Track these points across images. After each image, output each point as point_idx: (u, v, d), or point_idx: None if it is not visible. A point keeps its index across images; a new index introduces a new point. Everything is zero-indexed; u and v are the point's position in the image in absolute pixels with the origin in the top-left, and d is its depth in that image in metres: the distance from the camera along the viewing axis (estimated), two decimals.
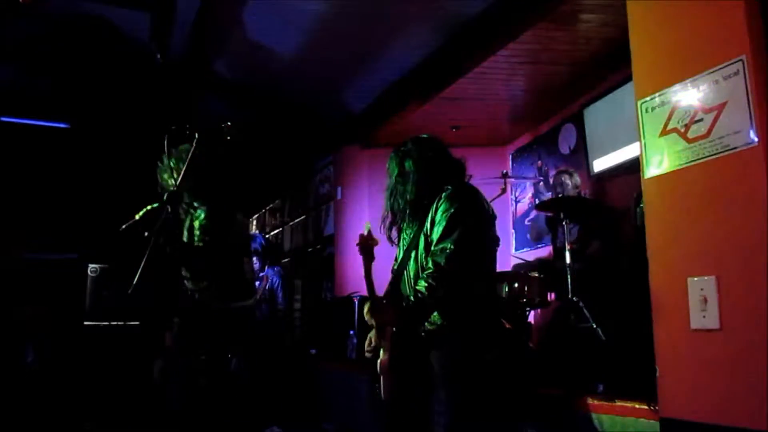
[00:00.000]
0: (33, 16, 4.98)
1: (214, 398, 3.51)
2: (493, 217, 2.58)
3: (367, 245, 2.58)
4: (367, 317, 2.54)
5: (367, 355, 2.62)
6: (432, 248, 2.42)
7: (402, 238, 2.67)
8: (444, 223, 2.40)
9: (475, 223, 2.44)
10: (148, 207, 2.99)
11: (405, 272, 2.57)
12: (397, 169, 2.65)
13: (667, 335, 2.20)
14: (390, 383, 2.44)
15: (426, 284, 2.35)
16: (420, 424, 2.46)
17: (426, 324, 2.46)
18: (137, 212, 3.01)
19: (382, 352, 2.47)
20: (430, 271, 2.37)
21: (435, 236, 2.42)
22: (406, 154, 2.65)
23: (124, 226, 2.97)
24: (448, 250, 2.35)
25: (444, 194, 2.49)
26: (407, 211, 2.59)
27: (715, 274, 2.01)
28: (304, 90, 6.19)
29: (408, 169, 2.60)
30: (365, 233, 2.58)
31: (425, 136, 2.75)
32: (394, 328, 2.45)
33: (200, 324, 3.50)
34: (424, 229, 2.51)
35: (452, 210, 2.42)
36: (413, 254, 2.54)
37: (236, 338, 3.72)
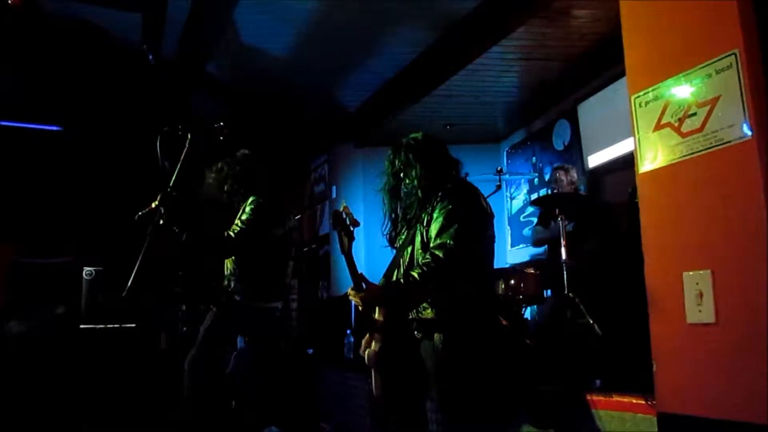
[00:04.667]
0: (23, 17, 4.95)
1: (213, 398, 3.52)
2: (491, 215, 2.57)
3: (344, 224, 2.46)
4: (351, 295, 2.43)
5: (362, 354, 2.59)
6: (431, 244, 2.39)
7: (398, 237, 2.65)
8: (442, 219, 2.37)
9: (474, 220, 2.42)
10: (162, 194, 2.99)
11: (397, 269, 2.55)
12: (397, 166, 2.61)
13: (664, 330, 2.20)
14: (381, 377, 2.41)
15: (420, 271, 2.31)
16: (414, 420, 2.44)
17: (417, 315, 2.43)
18: (137, 212, 3.00)
19: (373, 343, 2.43)
20: (427, 261, 2.33)
21: (433, 232, 2.39)
22: (408, 150, 2.61)
23: (140, 214, 2.97)
24: (448, 245, 2.32)
25: (443, 191, 2.47)
26: (412, 208, 2.57)
27: (710, 268, 2.01)
28: (298, 89, 6.18)
29: (410, 166, 2.57)
30: (341, 210, 2.47)
31: (421, 134, 2.72)
32: (382, 318, 2.41)
33: (229, 317, 3.54)
34: (421, 227, 2.48)
35: (451, 206, 2.39)
36: (409, 249, 2.52)
37: (250, 337, 3.75)
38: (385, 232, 2.68)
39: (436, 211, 2.42)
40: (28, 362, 4.79)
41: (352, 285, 2.43)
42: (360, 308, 2.46)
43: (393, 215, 2.65)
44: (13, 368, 4.70)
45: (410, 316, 2.48)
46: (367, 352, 2.43)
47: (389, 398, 2.46)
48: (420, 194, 2.53)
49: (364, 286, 2.40)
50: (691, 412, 2.04)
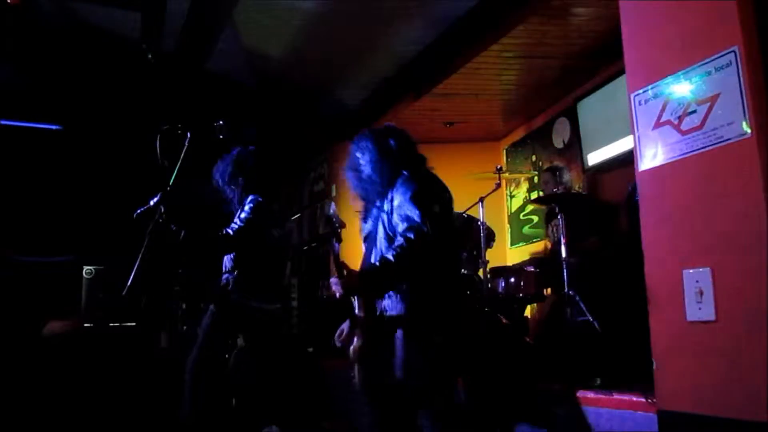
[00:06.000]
0: (22, 16, 4.95)
1: (216, 397, 3.52)
2: (452, 200, 2.55)
3: (333, 227, 2.48)
4: (332, 283, 2.39)
5: (337, 344, 2.55)
6: (399, 229, 2.35)
7: (364, 228, 2.63)
8: (408, 204, 2.35)
9: (437, 205, 2.40)
10: (162, 192, 2.98)
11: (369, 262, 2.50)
12: (359, 155, 2.61)
13: (664, 327, 2.20)
14: (363, 370, 2.41)
15: (394, 253, 2.28)
16: (401, 412, 2.41)
17: (389, 310, 2.41)
18: (136, 211, 3.00)
19: (355, 339, 2.42)
20: (400, 243, 2.29)
21: (399, 218, 2.37)
22: (369, 139, 2.61)
23: (138, 211, 2.97)
24: (417, 228, 2.28)
25: (402, 179, 2.45)
26: (373, 198, 2.55)
27: (710, 266, 2.02)
28: (298, 87, 6.17)
29: (370, 156, 2.57)
30: (331, 214, 2.49)
31: (385, 125, 2.72)
32: (363, 313, 2.41)
33: (229, 317, 3.55)
34: (383, 217, 2.47)
35: (414, 191, 2.37)
36: (374, 250, 2.50)
37: (250, 337, 3.75)
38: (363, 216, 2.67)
39: (398, 198, 2.40)
40: (28, 362, 4.78)
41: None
42: (339, 295, 2.41)
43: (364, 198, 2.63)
44: (13, 368, 4.70)
45: (379, 312, 2.46)
46: (351, 349, 2.42)
47: (372, 389, 2.46)
48: (379, 183, 2.52)
49: (345, 273, 2.37)
50: (692, 410, 2.04)
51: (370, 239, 2.56)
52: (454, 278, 2.63)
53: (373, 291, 2.44)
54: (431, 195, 2.42)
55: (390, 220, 2.42)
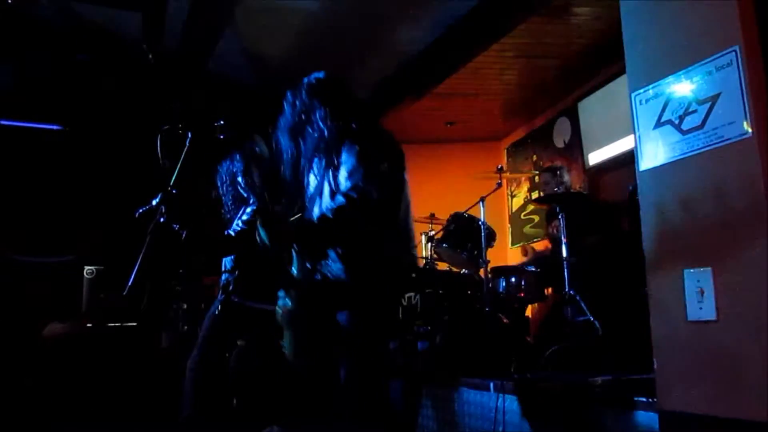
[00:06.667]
0: (22, 16, 4.95)
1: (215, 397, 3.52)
2: (403, 157, 2.36)
3: None
4: (262, 231, 2.19)
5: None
6: (342, 188, 2.19)
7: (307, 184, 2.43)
8: (354, 161, 2.19)
9: (385, 163, 2.23)
10: (162, 193, 2.98)
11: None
12: (299, 107, 2.43)
13: (664, 327, 2.20)
14: (294, 338, 2.27)
15: (333, 209, 2.13)
16: (330, 387, 2.32)
17: (329, 275, 2.24)
18: (137, 210, 3.00)
19: (287, 300, 2.27)
20: (340, 202, 2.13)
21: (343, 176, 2.20)
22: (311, 90, 2.45)
23: (140, 211, 2.96)
24: (360, 187, 2.12)
25: (351, 133, 2.30)
26: (318, 153, 2.36)
27: (711, 266, 2.01)
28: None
29: (315, 108, 2.39)
30: None
31: (324, 73, 2.52)
32: (300, 272, 2.27)
33: (229, 317, 3.55)
34: (329, 173, 2.29)
35: (361, 147, 2.22)
36: (316, 207, 2.32)
37: (251, 337, 3.75)
38: (294, 176, 2.45)
39: (344, 153, 2.24)
40: (29, 362, 4.79)
41: (261, 219, 2.22)
42: (268, 242, 2.19)
43: (292, 157, 2.42)
44: (14, 368, 4.71)
45: (318, 278, 2.28)
46: (279, 310, 2.28)
47: (304, 361, 2.33)
48: (327, 138, 2.33)
49: (275, 217, 2.21)
50: (693, 410, 2.04)
51: (313, 194, 2.37)
52: (400, 244, 2.37)
53: (308, 246, 2.27)
54: (379, 152, 2.26)
55: (336, 177, 2.25)
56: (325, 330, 2.26)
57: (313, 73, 2.52)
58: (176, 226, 3.15)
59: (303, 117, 2.41)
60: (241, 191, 3.73)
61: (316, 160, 2.37)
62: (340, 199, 2.15)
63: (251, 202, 3.61)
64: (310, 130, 2.38)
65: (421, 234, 5.00)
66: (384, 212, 2.22)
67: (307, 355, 2.31)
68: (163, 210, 2.96)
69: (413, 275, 2.39)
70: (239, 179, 3.72)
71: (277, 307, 2.32)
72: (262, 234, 2.19)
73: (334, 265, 2.25)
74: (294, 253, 2.33)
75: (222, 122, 3.16)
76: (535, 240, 6.07)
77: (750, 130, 1.93)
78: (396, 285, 2.35)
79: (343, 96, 2.47)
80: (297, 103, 2.46)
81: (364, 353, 2.24)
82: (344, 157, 2.24)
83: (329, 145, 2.32)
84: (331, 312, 2.26)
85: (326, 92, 2.43)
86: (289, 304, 2.28)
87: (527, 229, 6.29)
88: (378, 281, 2.24)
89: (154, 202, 2.97)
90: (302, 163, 2.40)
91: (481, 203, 4.27)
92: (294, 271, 2.32)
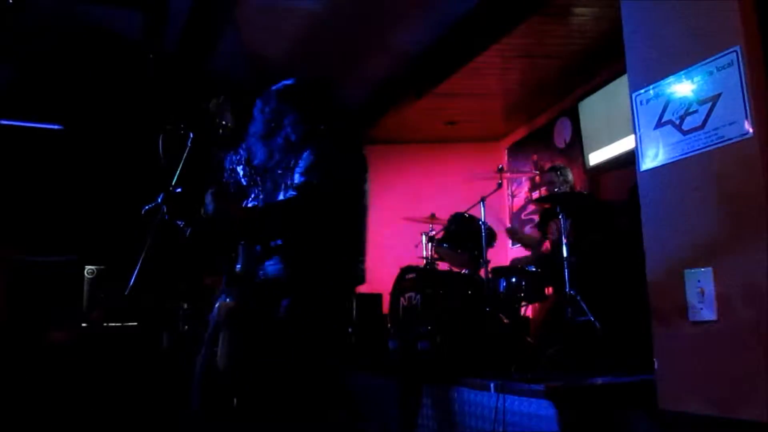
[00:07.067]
0: (23, 15, 4.95)
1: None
2: (364, 166, 2.38)
3: None
4: (209, 200, 2.21)
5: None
6: (295, 182, 2.20)
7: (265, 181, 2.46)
8: (312, 158, 2.20)
9: (343, 170, 2.27)
10: (165, 193, 2.97)
11: None
12: (268, 114, 2.47)
13: (665, 327, 2.20)
14: (232, 338, 2.28)
15: (281, 200, 2.15)
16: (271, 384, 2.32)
17: (269, 274, 2.25)
18: (139, 210, 3.00)
19: (229, 297, 2.27)
20: (290, 195, 2.16)
21: (297, 172, 2.22)
22: (279, 97, 2.48)
23: (146, 208, 2.96)
24: (313, 183, 2.14)
25: (316, 133, 2.33)
26: (283, 153, 2.38)
27: (711, 266, 2.02)
28: None
29: (283, 114, 2.42)
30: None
31: (294, 79, 2.56)
32: (245, 270, 2.27)
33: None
34: (288, 174, 2.30)
35: (321, 145, 2.25)
36: (275, 198, 2.34)
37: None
38: (250, 175, 2.50)
39: (305, 152, 2.26)
40: (29, 362, 4.79)
41: (212, 191, 2.26)
42: (212, 213, 2.22)
43: (262, 162, 2.45)
44: (14, 368, 4.71)
45: (261, 276, 2.29)
46: (218, 306, 2.28)
47: (238, 366, 2.32)
48: (293, 141, 2.36)
49: (224, 193, 2.24)
50: (693, 410, 2.04)
51: (272, 193, 2.38)
52: (347, 253, 2.33)
53: (251, 232, 2.27)
54: (340, 154, 2.29)
55: (293, 175, 2.27)
56: (263, 327, 2.27)
57: (282, 81, 2.55)
58: (181, 223, 3.15)
59: (273, 124, 2.44)
60: (241, 180, 3.73)
61: (282, 163, 2.38)
62: (290, 192, 2.18)
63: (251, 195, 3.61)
64: (280, 135, 2.40)
65: (421, 234, 5.01)
66: (334, 214, 2.21)
67: (243, 355, 2.31)
68: (165, 210, 2.96)
69: (354, 287, 2.37)
70: (238, 168, 3.72)
71: (216, 305, 2.33)
72: (208, 204, 2.21)
73: (275, 267, 2.25)
74: (240, 250, 2.34)
75: (224, 122, 3.16)
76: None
77: (751, 130, 1.93)
78: (337, 285, 2.31)
79: (315, 100, 2.49)
80: (266, 110, 2.49)
81: (303, 342, 2.25)
82: (304, 155, 2.26)
83: (294, 147, 2.35)
84: (270, 309, 2.26)
85: (297, 97, 2.46)
86: (230, 300, 2.29)
87: (528, 229, 6.30)
88: (317, 281, 2.23)
89: (159, 200, 2.97)
90: (270, 166, 2.43)
91: (481, 203, 4.28)
92: (238, 267, 2.32)
